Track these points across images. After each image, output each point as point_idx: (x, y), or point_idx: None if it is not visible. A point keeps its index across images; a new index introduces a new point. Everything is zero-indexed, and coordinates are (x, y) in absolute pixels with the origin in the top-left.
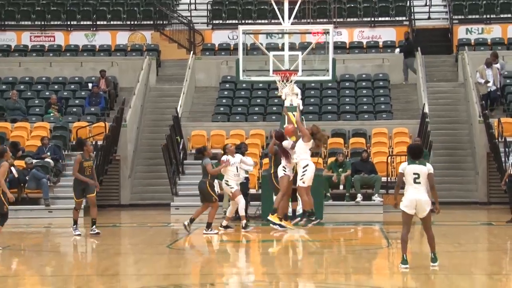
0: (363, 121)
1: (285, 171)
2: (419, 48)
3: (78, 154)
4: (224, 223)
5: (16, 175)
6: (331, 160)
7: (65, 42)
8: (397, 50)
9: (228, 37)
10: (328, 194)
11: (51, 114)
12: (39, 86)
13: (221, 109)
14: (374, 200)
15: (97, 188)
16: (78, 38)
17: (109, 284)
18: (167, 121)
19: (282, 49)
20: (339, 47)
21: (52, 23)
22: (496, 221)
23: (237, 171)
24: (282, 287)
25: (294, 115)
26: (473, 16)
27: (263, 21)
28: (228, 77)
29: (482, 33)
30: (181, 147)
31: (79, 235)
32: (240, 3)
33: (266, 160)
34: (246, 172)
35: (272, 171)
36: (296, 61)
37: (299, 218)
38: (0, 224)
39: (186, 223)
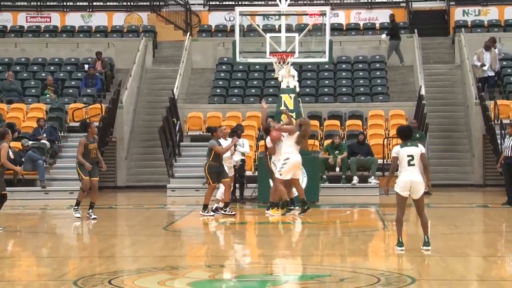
0: (360, 103)
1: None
2: (415, 30)
3: (83, 137)
4: (220, 204)
5: (12, 157)
6: (327, 142)
7: (61, 23)
8: (383, 35)
9: (225, 19)
10: (324, 176)
11: (47, 96)
12: (35, 67)
13: (218, 91)
14: (370, 182)
15: (104, 168)
16: (74, 19)
17: (106, 266)
18: (163, 103)
19: (279, 31)
20: (336, 29)
21: (48, 3)
22: (491, 203)
23: (230, 154)
24: (278, 269)
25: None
26: None
27: (260, 3)
28: (225, 59)
29: (479, 15)
30: (177, 129)
31: (79, 218)
32: None
33: (262, 142)
34: (243, 154)
35: (267, 153)
36: (292, 43)
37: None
38: None
39: (223, 210)
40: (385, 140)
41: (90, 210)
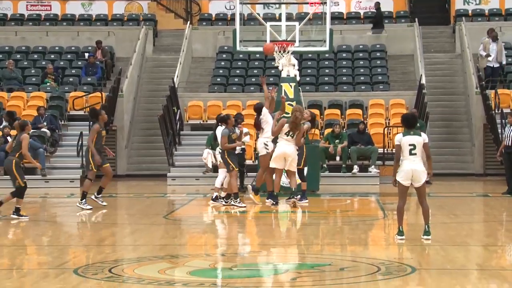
0: (360, 92)
1: (267, 148)
2: (416, 19)
3: (96, 124)
4: (222, 194)
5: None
6: (327, 131)
7: (61, 11)
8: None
9: (225, 7)
10: (325, 166)
11: (48, 84)
12: (36, 56)
13: (218, 79)
14: (370, 172)
15: (112, 155)
16: (75, 7)
17: (106, 254)
18: (163, 92)
19: (279, 19)
20: (337, 18)
21: None
22: (492, 192)
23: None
24: (278, 258)
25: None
26: None
27: None
28: (225, 48)
29: (479, 4)
30: (177, 117)
31: (90, 208)
32: None
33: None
34: (243, 143)
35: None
36: (293, 32)
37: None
38: (17, 196)
39: (224, 200)
40: (386, 129)
41: (100, 195)
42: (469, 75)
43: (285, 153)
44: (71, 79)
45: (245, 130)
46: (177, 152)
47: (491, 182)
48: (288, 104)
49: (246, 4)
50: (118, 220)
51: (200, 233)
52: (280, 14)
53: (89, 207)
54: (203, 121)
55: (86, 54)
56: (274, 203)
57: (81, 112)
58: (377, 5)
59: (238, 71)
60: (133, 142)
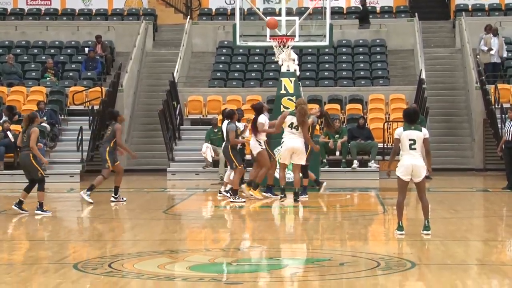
0: (360, 87)
1: (261, 145)
2: (416, 14)
3: (117, 124)
4: (222, 188)
5: (13, 140)
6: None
7: (61, 6)
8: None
9: (225, 2)
10: (325, 160)
11: (48, 79)
12: (35, 50)
13: (218, 74)
14: (370, 167)
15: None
16: (75, 2)
17: (105, 249)
18: (163, 86)
19: (279, 14)
20: (336, 13)
21: None
22: (492, 187)
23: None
24: (278, 253)
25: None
26: None
27: None
28: (225, 42)
29: None
30: (177, 112)
31: (91, 203)
32: None
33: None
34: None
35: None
36: (293, 27)
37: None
38: (40, 190)
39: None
40: (385, 124)
41: (118, 195)
42: (469, 70)
43: (293, 147)
44: (71, 74)
45: (239, 125)
46: (177, 146)
47: (491, 177)
48: (288, 99)
49: None
50: (118, 215)
51: (200, 228)
52: (280, 9)
53: (90, 200)
54: (203, 116)
55: (86, 49)
56: (283, 195)
57: (81, 107)
58: (363, 1)
59: (238, 66)
60: (133, 136)
